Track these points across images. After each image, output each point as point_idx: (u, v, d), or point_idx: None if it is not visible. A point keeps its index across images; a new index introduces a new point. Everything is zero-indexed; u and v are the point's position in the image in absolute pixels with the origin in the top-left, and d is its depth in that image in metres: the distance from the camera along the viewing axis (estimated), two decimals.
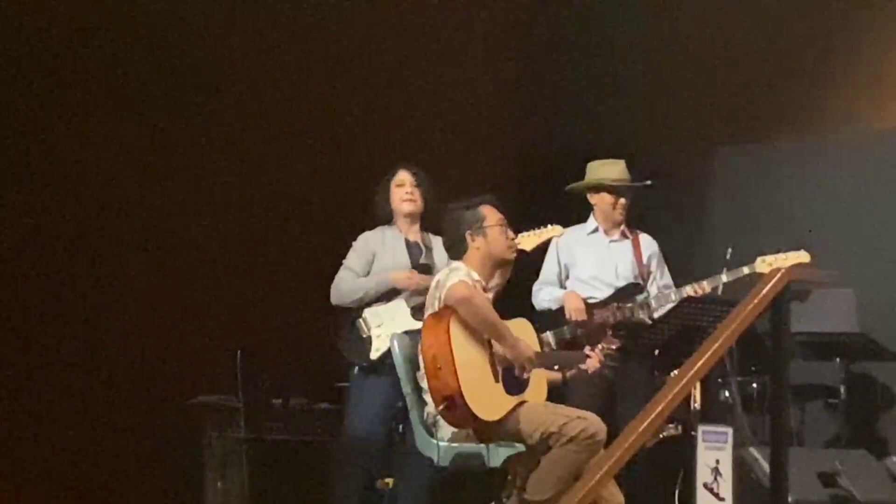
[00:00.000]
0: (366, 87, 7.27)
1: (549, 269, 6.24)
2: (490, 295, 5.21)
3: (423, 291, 5.50)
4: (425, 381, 5.09)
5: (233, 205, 7.17)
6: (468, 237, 5.23)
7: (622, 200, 6.19)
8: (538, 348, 5.27)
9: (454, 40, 7.43)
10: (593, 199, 6.25)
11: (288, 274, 7.12)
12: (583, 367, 5.37)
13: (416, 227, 5.99)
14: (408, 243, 5.96)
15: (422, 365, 5.11)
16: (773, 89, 7.14)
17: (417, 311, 5.76)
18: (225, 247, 7.08)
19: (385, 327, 5.79)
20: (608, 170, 6.21)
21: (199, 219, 7.07)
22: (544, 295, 6.17)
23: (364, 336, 5.84)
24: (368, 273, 5.91)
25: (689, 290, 5.93)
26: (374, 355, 5.78)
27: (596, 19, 7.33)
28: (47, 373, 6.81)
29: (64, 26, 6.73)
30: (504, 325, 5.09)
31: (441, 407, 4.99)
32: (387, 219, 6.00)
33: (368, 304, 5.87)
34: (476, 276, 5.16)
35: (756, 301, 4.45)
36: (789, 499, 4.74)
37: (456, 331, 5.00)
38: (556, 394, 5.35)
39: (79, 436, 6.85)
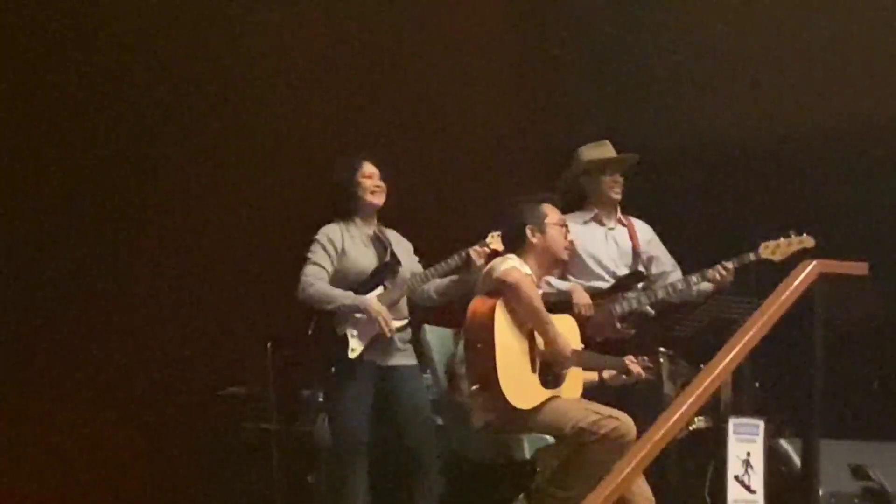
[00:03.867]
0: (390, 84, 7.27)
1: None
2: (540, 291, 5.23)
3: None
4: (463, 365, 5.12)
5: (264, 197, 7.18)
6: (528, 231, 5.25)
7: (618, 178, 6.16)
8: (579, 346, 5.27)
9: (480, 37, 7.41)
10: (588, 184, 6.21)
11: None
12: (626, 377, 5.38)
13: (375, 220, 5.83)
14: (371, 239, 5.79)
15: (461, 346, 5.14)
16: (793, 79, 7.10)
17: (391, 309, 5.68)
18: (256, 238, 7.11)
19: (362, 326, 5.61)
20: (598, 151, 6.17)
21: (230, 211, 7.10)
22: (547, 286, 6.13)
23: (339, 334, 5.61)
24: (336, 269, 5.69)
25: (694, 279, 5.90)
26: (351, 355, 5.58)
27: (625, 15, 7.30)
28: (80, 365, 6.86)
29: (62, 27, 6.76)
30: (549, 318, 5.11)
31: (475, 388, 5.02)
32: (346, 213, 5.79)
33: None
34: (528, 270, 5.18)
35: (787, 293, 4.45)
36: (821, 491, 4.74)
37: (500, 315, 5.03)
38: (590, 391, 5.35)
39: (111, 427, 6.91)
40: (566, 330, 5.22)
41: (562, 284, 6.04)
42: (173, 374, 6.92)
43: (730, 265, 5.87)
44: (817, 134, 7.06)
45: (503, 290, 5.05)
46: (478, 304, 5.11)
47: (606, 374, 5.43)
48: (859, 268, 4.66)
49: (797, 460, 5.23)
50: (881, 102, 6.79)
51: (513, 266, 5.10)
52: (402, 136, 7.11)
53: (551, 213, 5.33)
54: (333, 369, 5.62)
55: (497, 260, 5.26)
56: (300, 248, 6.21)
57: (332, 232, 5.74)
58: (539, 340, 5.12)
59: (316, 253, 5.69)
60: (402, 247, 5.87)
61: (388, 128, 7.15)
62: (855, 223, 6.60)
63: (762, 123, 7.21)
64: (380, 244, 5.80)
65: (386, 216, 5.86)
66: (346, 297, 5.60)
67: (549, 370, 5.13)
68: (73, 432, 6.85)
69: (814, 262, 4.54)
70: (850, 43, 6.78)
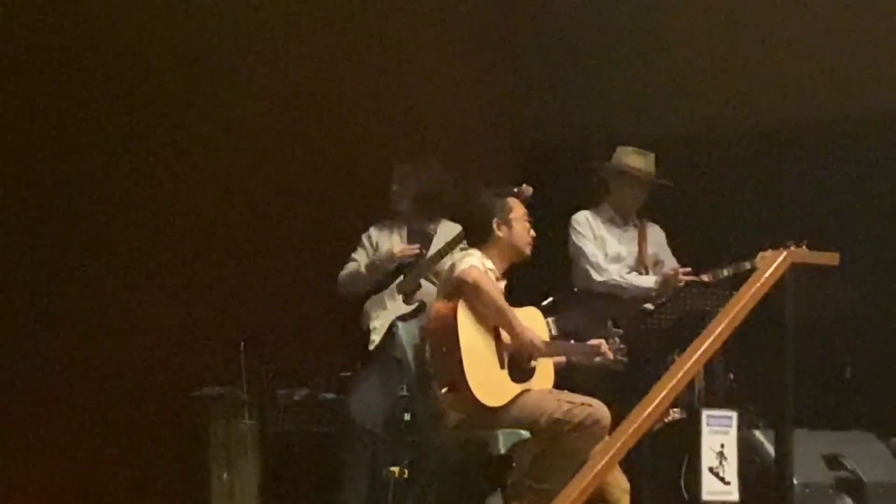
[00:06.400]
0: (370, 76, 7.26)
1: (597, 248, 6.18)
2: (501, 285, 5.23)
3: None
4: (431, 366, 5.12)
5: (236, 197, 7.16)
6: (494, 225, 5.26)
7: (642, 194, 6.17)
8: (547, 337, 5.27)
9: (459, 27, 7.40)
10: (614, 184, 6.21)
11: (291, 265, 7.12)
12: (598, 360, 5.38)
13: (418, 216, 6.15)
14: (410, 231, 6.14)
15: (428, 348, 5.14)
16: (771, 74, 7.13)
17: (409, 297, 5.86)
18: (228, 239, 7.09)
19: (381, 318, 5.94)
20: (639, 160, 6.17)
21: (201, 211, 7.07)
22: (624, 283, 6.07)
23: (364, 329, 6.01)
24: None
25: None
26: (370, 346, 5.94)
27: (608, 4, 7.31)
28: (53, 367, 6.82)
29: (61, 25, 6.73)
30: (512, 313, 5.10)
31: (445, 390, 5.02)
32: (392, 212, 6.24)
33: (368, 294, 6.05)
34: (490, 265, 5.18)
35: (758, 285, 4.47)
36: (794, 481, 4.76)
37: (463, 315, 5.02)
38: (560, 378, 5.35)
39: (85, 429, 6.87)
40: (531, 322, 5.22)
41: (642, 280, 6.08)
42: (146, 374, 6.88)
43: (705, 278, 5.89)
44: (797, 130, 7.11)
45: (463, 289, 5.06)
46: (440, 307, 5.11)
47: (575, 358, 5.44)
48: (830, 258, 4.69)
49: (771, 451, 5.24)
50: (868, 98, 6.84)
51: (471, 264, 5.10)
52: (386, 133, 7.11)
53: (517, 208, 5.34)
54: (359, 363, 6.03)
55: (458, 255, 5.28)
56: (275, 248, 6.26)
57: (372, 230, 6.24)
58: (505, 336, 5.12)
59: (356, 251, 6.23)
60: (447, 237, 6.03)
61: (372, 124, 7.15)
62: (828, 214, 6.64)
63: (743, 120, 7.24)
64: (418, 237, 6.09)
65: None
66: (359, 266, 6.11)
67: (518, 364, 5.14)
68: (46, 433, 6.81)
69: (784, 253, 4.57)
70: (841, 37, 6.81)
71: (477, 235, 5.33)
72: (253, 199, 7.19)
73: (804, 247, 5.82)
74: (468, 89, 7.57)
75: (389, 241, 6.16)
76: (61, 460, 6.81)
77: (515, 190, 5.52)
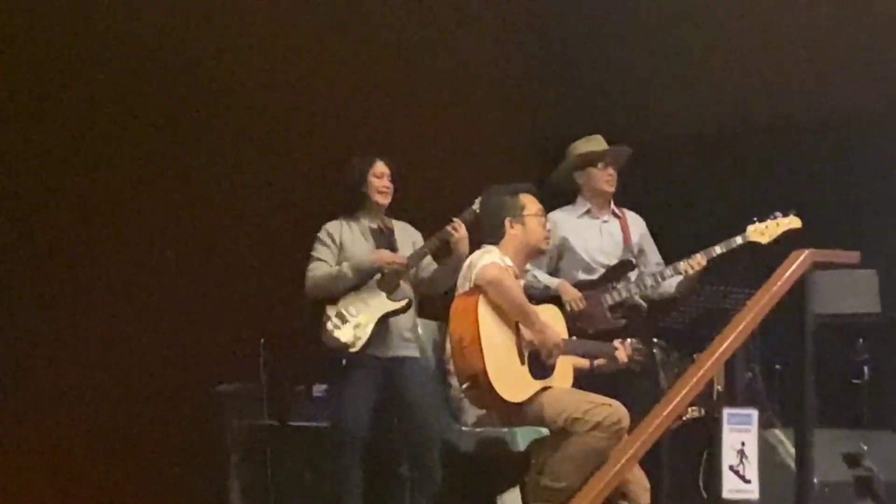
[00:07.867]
0: (378, 77, 7.26)
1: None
2: (521, 282, 5.23)
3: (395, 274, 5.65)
4: (451, 362, 5.12)
5: (255, 194, 7.17)
6: (507, 223, 5.26)
7: (611, 171, 6.14)
8: (566, 335, 5.27)
9: (468, 26, 7.40)
10: (581, 178, 6.19)
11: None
12: (611, 361, 5.37)
13: (381, 213, 5.92)
14: (372, 231, 5.88)
15: (448, 345, 5.14)
16: (784, 70, 7.12)
17: (392, 293, 5.74)
18: (248, 235, 7.10)
19: (363, 315, 5.69)
20: (591, 144, 6.17)
21: (221, 208, 7.09)
22: (533, 280, 6.09)
23: (328, 330, 5.73)
24: (338, 263, 5.82)
25: (683, 266, 5.86)
26: (356, 347, 5.67)
27: (615, 4, 7.31)
28: (72, 362, 6.84)
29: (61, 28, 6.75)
30: (533, 310, 5.11)
31: (465, 386, 5.02)
32: (351, 208, 5.93)
33: (344, 295, 5.76)
34: (509, 262, 5.18)
35: (779, 284, 4.47)
36: (814, 480, 4.76)
37: (484, 311, 5.02)
38: (582, 380, 5.35)
39: (103, 425, 6.89)
40: (551, 319, 5.22)
41: (548, 280, 6.02)
42: (165, 370, 6.90)
43: (700, 257, 5.85)
44: (805, 124, 7.10)
45: (484, 286, 5.05)
46: (460, 302, 5.12)
47: (597, 362, 5.43)
48: (851, 256, 4.68)
49: (791, 449, 5.24)
50: (869, 93, 6.82)
51: (492, 261, 5.11)
52: (391, 129, 7.11)
53: (530, 204, 5.34)
54: (344, 362, 5.68)
55: (476, 253, 5.27)
56: (294, 243, 6.22)
57: (332, 228, 5.88)
58: (525, 332, 5.11)
59: (317, 249, 5.85)
60: (407, 236, 5.90)
61: (377, 120, 7.14)
62: (845, 213, 6.63)
63: (749, 113, 7.24)
64: (382, 236, 5.88)
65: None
66: (342, 268, 5.73)
67: (539, 361, 5.14)
68: (63, 428, 6.83)
69: (806, 252, 4.56)
70: (840, 32, 6.79)
71: (491, 233, 5.33)
72: (275, 194, 7.20)
73: (792, 216, 5.84)
74: (484, 86, 7.58)
75: (353, 240, 5.85)
76: (78, 456, 6.83)
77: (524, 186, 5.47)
